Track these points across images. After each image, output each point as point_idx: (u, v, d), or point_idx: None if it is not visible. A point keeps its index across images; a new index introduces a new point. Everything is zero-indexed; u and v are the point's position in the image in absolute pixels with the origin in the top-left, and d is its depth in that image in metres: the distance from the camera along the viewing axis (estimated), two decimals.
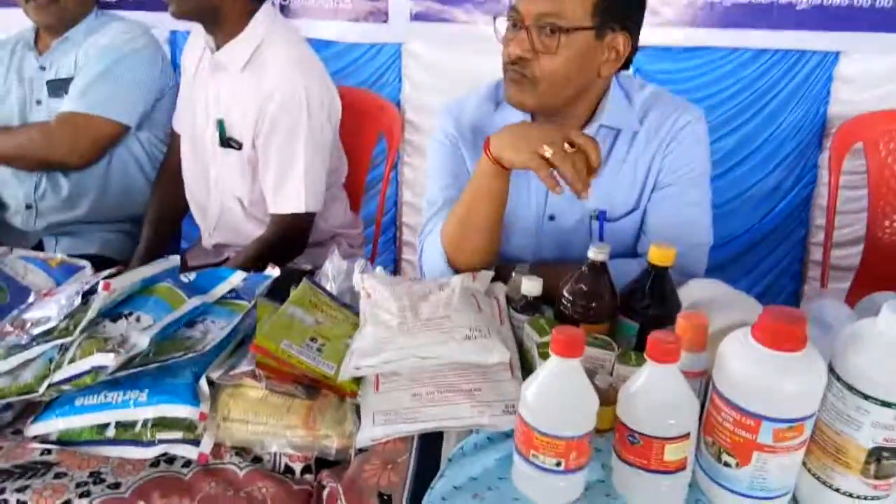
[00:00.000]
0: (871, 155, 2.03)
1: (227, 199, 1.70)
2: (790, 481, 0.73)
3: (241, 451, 0.89)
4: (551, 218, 1.30)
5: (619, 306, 1.00)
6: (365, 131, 2.04)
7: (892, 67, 2.22)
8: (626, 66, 1.25)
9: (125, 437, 0.89)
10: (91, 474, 0.86)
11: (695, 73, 2.27)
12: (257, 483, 0.84)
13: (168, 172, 1.83)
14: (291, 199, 1.58)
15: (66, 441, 0.90)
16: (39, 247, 1.90)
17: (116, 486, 0.84)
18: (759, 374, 0.69)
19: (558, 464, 0.74)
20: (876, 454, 0.69)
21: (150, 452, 0.88)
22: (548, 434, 0.73)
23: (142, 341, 0.88)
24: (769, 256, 2.53)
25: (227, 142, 1.62)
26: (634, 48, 1.22)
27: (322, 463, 0.88)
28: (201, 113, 1.67)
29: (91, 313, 0.89)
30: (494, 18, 1.20)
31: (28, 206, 1.83)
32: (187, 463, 0.87)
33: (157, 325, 0.91)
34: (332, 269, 1.20)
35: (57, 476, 0.85)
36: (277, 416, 0.88)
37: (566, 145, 1.04)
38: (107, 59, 1.74)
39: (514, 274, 1.14)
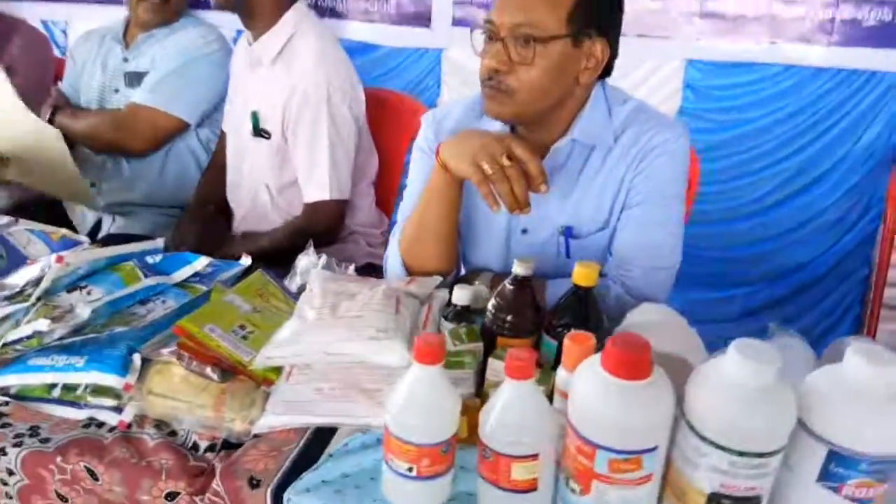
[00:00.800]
0: None
1: (258, 187, 1.81)
2: None
3: (161, 423, 0.96)
4: (524, 231, 1.29)
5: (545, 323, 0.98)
6: (399, 134, 2.09)
7: None
8: (607, 72, 1.23)
9: (67, 398, 0.98)
10: (31, 428, 0.96)
11: (748, 89, 2.15)
12: (161, 454, 0.90)
13: (213, 168, 1.96)
14: (317, 187, 1.67)
15: (21, 396, 1.00)
16: (98, 224, 2.09)
17: (46, 440, 0.93)
18: (597, 401, 0.67)
19: (410, 469, 0.75)
20: (715, 500, 0.65)
21: (82, 414, 0.97)
22: (400, 439, 0.74)
23: (83, 312, 0.98)
24: (832, 294, 2.34)
25: (259, 132, 1.73)
26: (614, 54, 1.20)
27: (229, 444, 0.93)
28: (240, 106, 1.80)
29: (45, 283, 0.99)
30: (471, 31, 1.20)
31: (92, 185, 2.03)
32: (113, 428, 0.96)
33: (103, 300, 1.00)
34: (305, 263, 1.26)
35: (3, 426, 0.96)
36: (193, 395, 0.94)
37: (505, 158, 1.04)
38: (180, 59, 1.90)
39: (476, 283, 1.16)
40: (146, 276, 1.09)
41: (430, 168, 1.30)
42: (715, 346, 0.93)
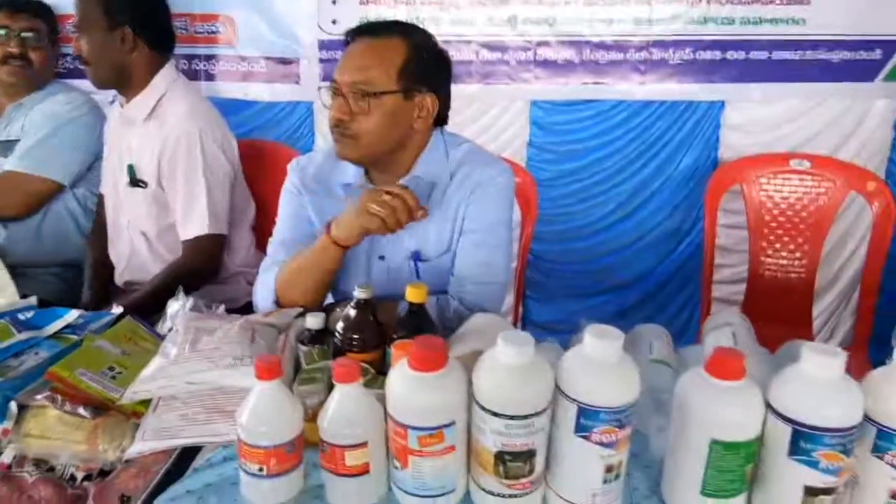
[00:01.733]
0: (748, 197, 2.18)
1: (136, 236, 1.90)
2: (448, 482, 0.87)
3: (40, 461, 1.04)
4: (381, 257, 1.47)
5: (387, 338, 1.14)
6: (277, 180, 2.22)
7: (774, 115, 2.37)
8: (443, 121, 1.45)
9: None
10: None
11: (586, 123, 2.44)
12: (39, 488, 0.99)
13: (96, 230, 2.04)
14: (196, 223, 1.78)
15: None
16: None
17: None
18: (405, 390, 0.83)
19: (261, 469, 0.88)
20: (500, 457, 0.82)
21: None
22: (250, 444, 0.88)
23: None
24: (678, 295, 2.64)
25: (136, 182, 1.83)
26: (446, 106, 1.42)
27: (105, 472, 1.02)
28: (116, 162, 1.89)
29: None
30: (319, 89, 1.40)
31: None
32: None
33: None
34: (174, 307, 1.36)
35: None
36: (68, 432, 1.04)
37: (384, 195, 1.25)
38: (50, 124, 1.98)
39: (337, 309, 1.30)
40: (19, 331, 1.18)
41: (296, 206, 1.50)
42: None
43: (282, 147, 2.32)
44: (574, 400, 0.81)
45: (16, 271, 1.99)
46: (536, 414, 0.81)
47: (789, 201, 2.12)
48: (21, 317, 1.23)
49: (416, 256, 1.44)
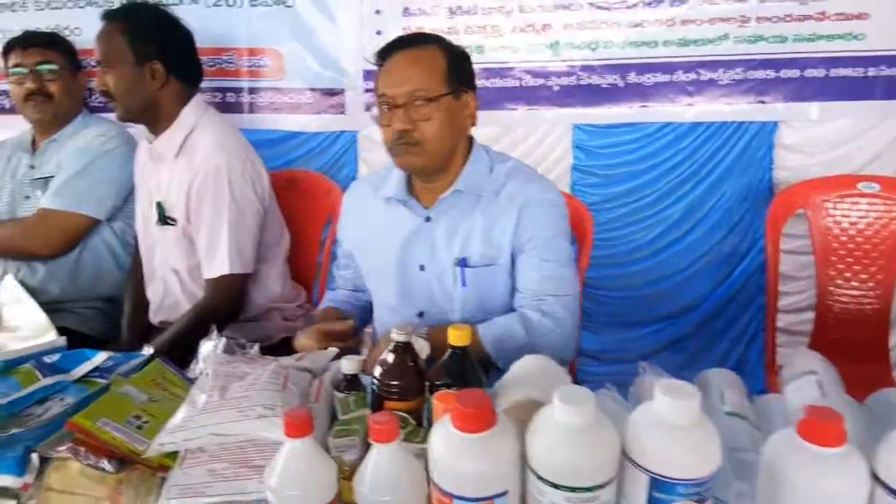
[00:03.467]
0: (813, 222, 2.04)
1: (167, 274, 1.85)
2: None
3: None
4: (421, 267, 1.47)
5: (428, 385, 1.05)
6: (315, 211, 2.19)
7: (833, 134, 2.24)
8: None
9: None
10: None
11: (631, 146, 2.34)
12: None
13: (136, 267, 2.00)
14: (219, 262, 1.72)
15: None
16: None
17: None
18: (448, 454, 0.74)
19: None
20: None
21: None
22: None
23: None
24: (734, 325, 2.50)
25: (165, 220, 1.79)
26: (477, 105, 1.45)
27: None
28: (146, 199, 1.86)
29: None
30: (367, 108, 1.38)
31: None
32: None
33: None
34: (206, 348, 1.30)
35: None
36: (90, 487, 0.97)
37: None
38: (83, 159, 1.96)
39: (412, 338, 1.20)
40: (44, 375, 1.12)
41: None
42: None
43: (319, 177, 2.28)
44: (646, 470, 0.71)
45: (55, 307, 1.99)
46: (601, 486, 0.71)
47: (858, 227, 1.97)
48: (47, 360, 1.18)
49: (463, 263, 1.42)
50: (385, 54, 1.38)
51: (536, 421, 0.75)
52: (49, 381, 1.12)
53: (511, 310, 1.43)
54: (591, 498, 0.71)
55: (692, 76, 2.25)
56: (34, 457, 1.01)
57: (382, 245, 1.50)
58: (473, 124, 1.45)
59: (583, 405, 0.70)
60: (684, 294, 2.48)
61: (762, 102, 2.24)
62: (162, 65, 1.70)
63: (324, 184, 2.20)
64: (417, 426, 1.01)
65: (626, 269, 2.46)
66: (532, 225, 1.40)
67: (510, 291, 1.44)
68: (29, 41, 1.99)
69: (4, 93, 2.60)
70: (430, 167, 1.41)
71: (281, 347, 1.77)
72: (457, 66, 1.38)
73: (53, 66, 2.00)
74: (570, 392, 0.72)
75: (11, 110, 2.33)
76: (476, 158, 1.45)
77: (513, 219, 1.40)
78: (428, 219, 1.45)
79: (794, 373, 1.00)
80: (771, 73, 2.21)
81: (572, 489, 0.70)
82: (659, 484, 0.70)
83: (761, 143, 2.28)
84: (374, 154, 2.54)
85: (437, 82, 1.34)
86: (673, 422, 0.70)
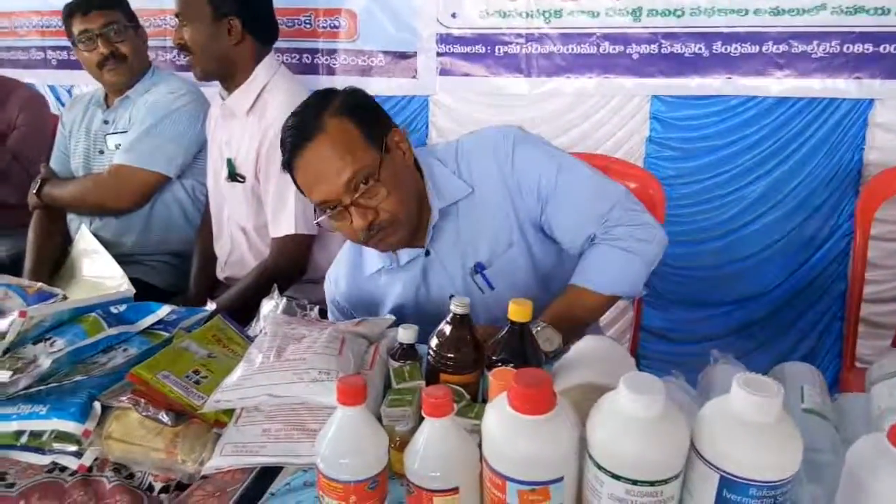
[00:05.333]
0: None
1: (235, 230, 1.88)
2: None
3: (120, 466, 1.00)
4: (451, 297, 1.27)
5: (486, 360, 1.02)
6: None
7: None
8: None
9: (32, 445, 1.02)
10: None
11: (712, 119, 2.21)
12: (116, 497, 0.94)
13: (205, 222, 2.05)
14: (285, 222, 1.73)
15: None
16: None
17: (11, 486, 0.97)
18: (503, 435, 0.71)
19: None
20: None
21: (45, 460, 1.01)
22: (329, 477, 0.78)
23: (44, 363, 1.02)
24: (808, 312, 2.37)
25: (234, 177, 1.80)
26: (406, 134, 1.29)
27: (182, 486, 0.97)
28: (216, 155, 1.88)
29: (9, 336, 1.04)
30: (316, 221, 1.26)
31: None
32: (74, 472, 1.00)
33: (65, 351, 1.05)
34: (267, 307, 1.30)
35: None
36: (148, 439, 0.99)
37: None
38: (153, 116, 1.99)
39: (535, 330, 1.14)
40: (110, 325, 1.15)
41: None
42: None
43: None
44: (717, 468, 0.65)
45: (127, 259, 2.05)
46: (666, 481, 0.66)
47: None
48: (113, 310, 1.20)
49: (480, 267, 1.32)
50: (291, 159, 1.20)
51: (600, 407, 0.70)
52: (114, 331, 1.14)
53: (541, 275, 1.33)
54: (653, 492, 0.66)
55: (783, 48, 2.10)
56: (96, 405, 1.03)
57: (401, 305, 1.37)
58: (412, 156, 1.30)
59: (653, 396, 0.65)
60: (757, 278, 2.36)
61: (858, 78, 2.08)
62: (239, 21, 1.70)
63: None
64: (472, 401, 0.98)
65: (697, 248, 2.36)
66: (529, 180, 1.26)
67: (534, 260, 1.32)
68: (88, 4, 1.97)
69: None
70: (411, 233, 1.27)
71: None
72: (368, 121, 1.20)
73: (119, 26, 1.99)
74: (638, 380, 0.67)
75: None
76: (432, 174, 1.30)
77: (502, 190, 1.27)
78: (427, 252, 1.33)
79: (884, 372, 0.92)
80: (869, 48, 2.05)
81: (634, 482, 0.66)
82: (730, 484, 0.65)
83: (853, 121, 2.13)
84: (443, 120, 2.51)
85: (365, 153, 1.17)
86: (751, 419, 0.65)
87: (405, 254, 1.33)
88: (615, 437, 0.67)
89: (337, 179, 1.15)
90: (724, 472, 0.65)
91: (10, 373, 1.00)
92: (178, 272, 2.14)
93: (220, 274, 1.98)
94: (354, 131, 1.17)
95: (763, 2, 2.09)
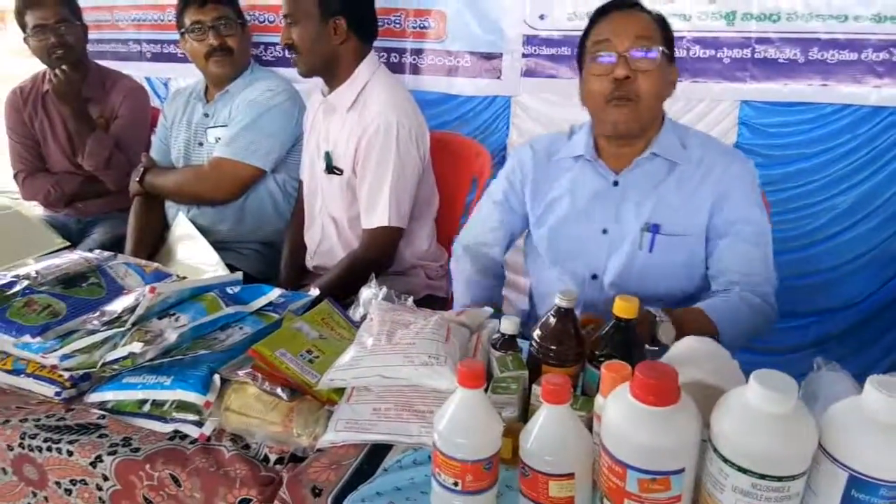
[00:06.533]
0: None
1: (326, 221, 1.95)
2: None
3: (236, 437, 1.06)
4: (604, 231, 1.46)
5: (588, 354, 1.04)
6: (461, 175, 2.21)
7: None
8: None
9: (155, 413, 1.09)
10: (124, 439, 1.07)
11: (803, 127, 2.17)
12: (235, 465, 1.00)
13: (297, 213, 2.13)
14: (378, 214, 1.79)
15: (117, 410, 1.12)
16: None
17: (137, 450, 1.05)
18: (626, 425, 0.73)
19: (455, 483, 0.82)
20: None
21: (167, 428, 1.08)
22: (446, 455, 0.82)
23: (171, 336, 1.10)
24: (889, 332, 2.29)
25: (332, 169, 1.87)
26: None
27: (296, 458, 1.02)
28: (314, 149, 1.95)
29: (139, 310, 1.12)
30: (577, 60, 1.45)
31: None
32: (195, 441, 1.06)
33: (188, 326, 1.12)
34: (367, 294, 1.36)
35: (100, 436, 1.08)
36: (264, 412, 1.05)
37: None
38: (252, 112, 2.06)
39: (656, 321, 1.18)
40: (227, 304, 1.21)
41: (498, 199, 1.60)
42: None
43: (470, 142, 2.29)
44: (846, 467, 0.66)
45: (220, 245, 2.15)
46: (793, 477, 0.67)
47: None
48: (229, 290, 1.27)
49: (655, 229, 1.39)
50: (603, 12, 1.39)
51: (728, 402, 0.71)
52: (231, 310, 1.21)
53: (697, 285, 1.44)
54: (780, 487, 0.67)
55: (883, 55, 2.05)
56: (216, 378, 1.10)
57: (562, 205, 1.49)
58: (669, 95, 1.43)
59: (787, 393, 0.66)
60: (839, 292, 2.30)
61: None
62: (344, 21, 1.76)
63: (473, 147, 2.20)
64: (576, 394, 1.00)
65: (779, 258, 2.29)
66: (734, 207, 1.37)
67: (694, 265, 1.42)
68: None
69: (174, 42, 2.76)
70: (638, 127, 1.38)
71: (423, 304, 1.82)
72: (667, 36, 1.38)
73: (229, 21, 2.08)
74: (770, 377, 0.69)
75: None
76: (668, 128, 1.43)
77: (711, 195, 1.38)
78: (616, 183, 1.44)
79: None
80: None
81: (762, 476, 0.67)
82: (859, 483, 0.66)
83: None
84: (525, 121, 2.53)
85: (657, 40, 1.34)
86: (885, 419, 0.65)
87: (602, 164, 1.45)
88: (746, 431, 0.68)
89: (631, 29, 1.33)
90: (854, 471, 0.66)
91: (141, 344, 1.07)
92: (266, 260, 2.22)
93: (310, 262, 2.05)
94: (658, 30, 1.36)
95: (864, 8, 2.04)
